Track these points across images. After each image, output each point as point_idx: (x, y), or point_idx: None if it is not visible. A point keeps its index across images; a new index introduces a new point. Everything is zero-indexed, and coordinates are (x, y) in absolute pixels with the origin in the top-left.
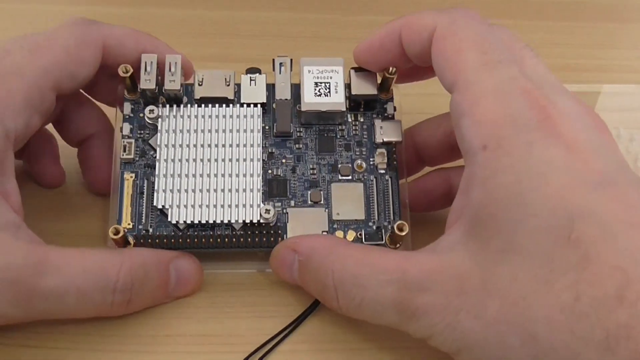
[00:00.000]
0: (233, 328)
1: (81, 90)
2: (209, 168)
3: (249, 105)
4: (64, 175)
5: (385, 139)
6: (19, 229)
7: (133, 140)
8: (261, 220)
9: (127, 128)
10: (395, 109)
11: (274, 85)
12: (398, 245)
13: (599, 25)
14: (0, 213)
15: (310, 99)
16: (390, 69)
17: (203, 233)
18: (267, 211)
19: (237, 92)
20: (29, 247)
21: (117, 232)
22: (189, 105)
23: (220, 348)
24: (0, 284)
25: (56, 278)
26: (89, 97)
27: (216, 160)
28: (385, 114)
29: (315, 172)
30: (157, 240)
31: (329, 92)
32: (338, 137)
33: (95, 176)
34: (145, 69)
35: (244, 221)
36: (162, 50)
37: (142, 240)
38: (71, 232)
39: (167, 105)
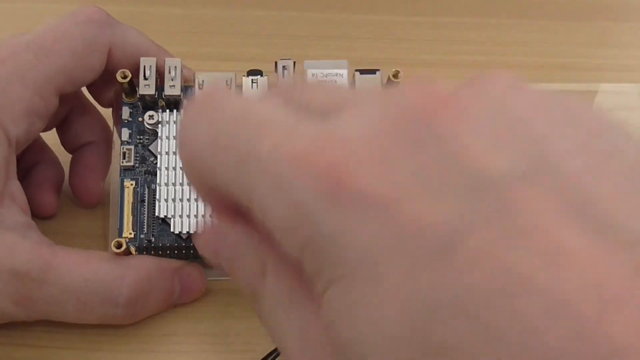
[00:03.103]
0: (230, 327)
1: (87, 98)
2: None
3: None
4: (56, 209)
5: None
6: (29, 229)
7: (132, 147)
8: None
9: (125, 134)
10: None
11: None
12: None
13: (596, 24)
14: (10, 214)
15: None
16: (394, 70)
17: None
18: None
19: None
20: (35, 248)
21: (119, 246)
22: None
23: (216, 347)
24: (4, 284)
25: (56, 285)
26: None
27: None
28: None
29: None
30: (159, 251)
31: None
32: None
33: (80, 184)
34: (144, 74)
35: None
36: (163, 57)
37: (144, 252)
38: (71, 231)
39: (167, 110)
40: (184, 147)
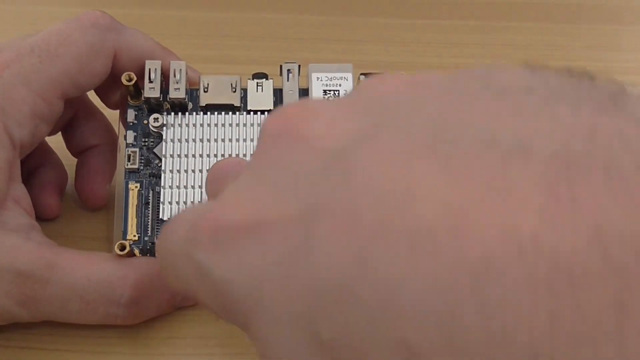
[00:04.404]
0: (234, 330)
1: (92, 101)
2: None
3: (255, 112)
4: (59, 211)
5: None
6: (32, 230)
7: (137, 149)
8: None
9: (131, 136)
10: None
11: (280, 90)
12: None
13: (601, 28)
14: (13, 216)
15: None
16: (399, 73)
17: None
18: None
19: (244, 99)
20: (38, 249)
21: (122, 248)
22: (194, 113)
23: (220, 350)
24: (8, 284)
25: (60, 285)
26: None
27: None
28: None
29: None
30: None
31: None
32: None
33: (86, 187)
34: (150, 77)
35: None
36: (170, 59)
37: (148, 254)
38: (75, 233)
39: (172, 113)
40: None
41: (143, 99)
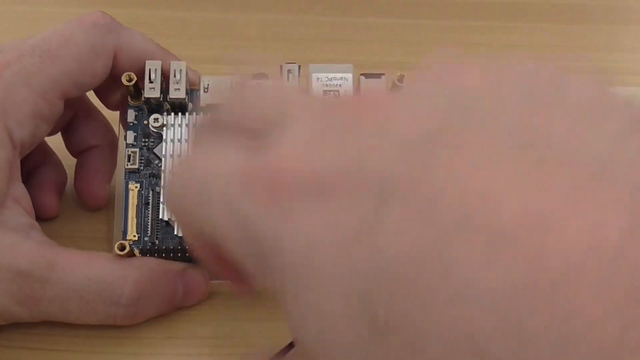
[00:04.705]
0: (233, 330)
1: (92, 101)
2: None
3: None
4: (58, 210)
5: None
6: (32, 230)
7: (137, 149)
8: None
9: (131, 136)
10: None
11: None
12: None
13: (599, 28)
14: (13, 216)
15: None
16: (398, 75)
17: None
18: None
19: None
20: (38, 248)
21: (122, 248)
22: (194, 113)
23: (220, 350)
24: (8, 284)
25: (60, 284)
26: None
27: None
28: None
29: None
30: (163, 254)
31: None
32: None
33: (86, 187)
34: (150, 77)
35: None
36: (169, 60)
37: (148, 254)
38: (75, 233)
39: (172, 113)
40: (168, 205)
41: (143, 99)
